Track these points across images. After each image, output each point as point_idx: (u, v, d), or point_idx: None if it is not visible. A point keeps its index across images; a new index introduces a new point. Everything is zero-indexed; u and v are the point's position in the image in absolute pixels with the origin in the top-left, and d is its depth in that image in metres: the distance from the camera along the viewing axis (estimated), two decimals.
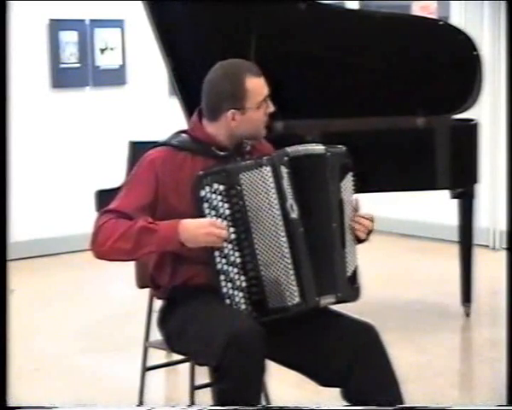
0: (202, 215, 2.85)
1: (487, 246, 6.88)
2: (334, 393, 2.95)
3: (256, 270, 2.83)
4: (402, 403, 2.86)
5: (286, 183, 2.85)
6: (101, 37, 7.29)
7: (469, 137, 4.99)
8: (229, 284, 2.84)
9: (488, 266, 5.99)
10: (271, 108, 2.99)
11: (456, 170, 4.93)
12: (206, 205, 2.85)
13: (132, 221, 2.85)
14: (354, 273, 2.94)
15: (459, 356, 4.93)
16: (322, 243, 2.88)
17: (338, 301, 2.91)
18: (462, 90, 5.02)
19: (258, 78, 2.95)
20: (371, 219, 2.99)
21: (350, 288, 2.92)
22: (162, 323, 3.06)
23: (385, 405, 2.81)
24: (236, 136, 2.97)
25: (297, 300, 2.81)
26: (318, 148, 2.95)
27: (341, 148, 2.97)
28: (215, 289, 2.85)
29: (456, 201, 5.09)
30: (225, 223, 2.84)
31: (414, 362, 4.43)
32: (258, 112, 2.95)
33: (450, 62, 5.00)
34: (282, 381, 3.56)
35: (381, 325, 2.96)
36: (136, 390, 3.65)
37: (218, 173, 2.86)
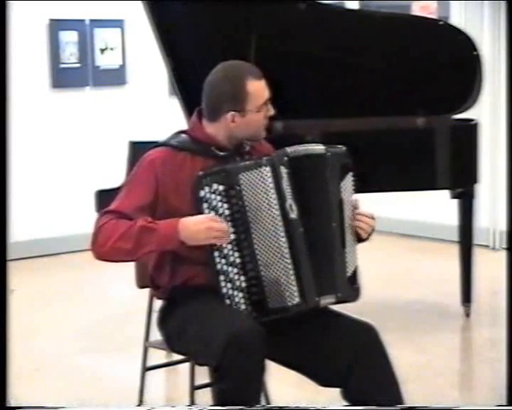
0: None
1: (487, 246, 6.88)
2: (334, 393, 2.95)
3: (256, 270, 2.83)
4: (402, 403, 2.86)
5: (285, 183, 2.85)
6: (101, 37, 7.29)
7: (469, 137, 4.99)
8: (229, 285, 2.84)
9: (488, 266, 5.99)
10: (272, 112, 2.99)
11: (456, 170, 4.93)
12: (205, 205, 2.85)
13: (132, 221, 2.85)
14: (354, 273, 2.94)
15: (459, 356, 4.93)
16: (322, 243, 2.88)
17: (338, 302, 2.91)
18: (462, 90, 5.02)
19: (260, 81, 2.95)
20: (373, 218, 2.99)
21: (350, 288, 2.92)
22: (162, 323, 3.06)
23: (385, 405, 2.81)
24: (236, 137, 2.97)
25: (297, 300, 2.81)
26: (318, 148, 2.95)
27: (341, 148, 2.97)
28: (215, 289, 2.85)
29: (456, 201, 5.09)
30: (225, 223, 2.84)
31: (414, 362, 4.43)
32: (258, 115, 2.95)
33: (450, 62, 5.00)
34: (282, 381, 3.56)
35: (381, 325, 2.96)
36: (136, 390, 3.65)
37: (218, 174, 2.86)
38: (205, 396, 3.10)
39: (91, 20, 7.21)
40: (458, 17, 6.91)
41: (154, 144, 3.03)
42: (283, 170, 2.85)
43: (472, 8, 6.92)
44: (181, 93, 4.91)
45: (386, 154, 4.88)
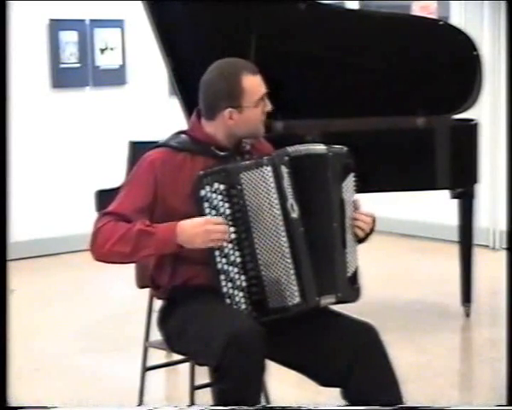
0: (202, 215, 2.84)
1: (487, 246, 6.88)
2: (334, 393, 2.95)
3: (256, 270, 2.83)
4: (402, 403, 2.86)
5: (286, 182, 2.85)
6: (101, 37, 7.29)
7: (469, 137, 4.99)
8: (230, 284, 2.84)
9: (488, 266, 5.99)
10: (269, 107, 2.99)
11: (456, 170, 4.93)
12: (206, 205, 2.85)
13: (131, 224, 2.85)
14: (355, 273, 2.94)
15: (459, 356, 4.93)
16: (323, 243, 2.88)
17: (338, 302, 2.91)
18: (462, 90, 5.02)
19: (255, 76, 2.95)
20: (373, 218, 2.99)
21: (350, 288, 2.92)
22: (162, 323, 3.06)
23: (385, 405, 2.81)
24: (235, 135, 2.97)
25: (297, 300, 2.81)
26: (320, 148, 2.95)
27: (343, 148, 2.97)
28: (215, 289, 2.85)
29: (456, 201, 5.09)
30: (225, 222, 2.84)
31: (414, 362, 4.43)
32: (255, 110, 2.95)
33: (450, 62, 5.00)
34: (282, 381, 3.56)
35: (381, 325, 2.96)
36: (136, 390, 3.64)
37: (219, 173, 2.86)
38: (205, 396, 3.10)
39: (91, 20, 7.21)
40: (458, 17, 6.91)
41: (154, 145, 3.03)
42: (284, 169, 2.85)
43: (472, 8, 6.92)
44: (181, 93, 4.91)
45: (387, 154, 4.87)
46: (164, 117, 6.93)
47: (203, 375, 3.05)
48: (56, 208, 7.17)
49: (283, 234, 2.83)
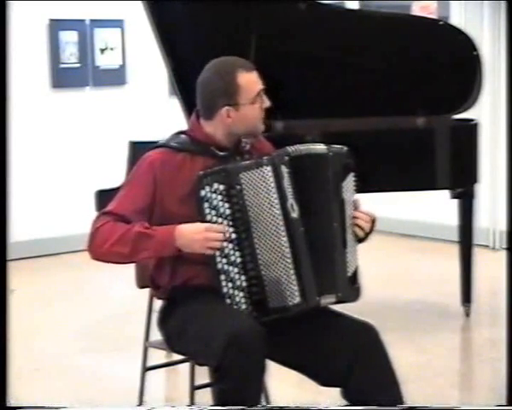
0: (202, 215, 2.85)
1: (487, 246, 6.88)
2: (334, 393, 2.95)
3: (256, 270, 2.83)
4: (402, 403, 2.86)
5: (286, 182, 2.85)
6: (101, 37, 7.29)
7: (469, 137, 4.99)
8: (230, 284, 2.84)
9: (488, 266, 5.99)
10: (267, 103, 2.98)
11: (456, 170, 4.93)
12: (206, 205, 2.85)
13: (130, 225, 2.85)
14: (355, 273, 2.94)
15: (459, 356, 4.93)
16: (323, 243, 2.88)
17: (338, 301, 2.91)
18: (462, 90, 5.02)
19: (251, 72, 2.94)
20: (373, 218, 2.99)
21: (350, 288, 2.92)
22: (162, 323, 3.06)
23: (385, 405, 2.81)
24: (234, 133, 2.96)
25: (297, 299, 2.81)
26: (320, 147, 2.94)
27: (343, 148, 2.97)
28: (215, 289, 2.85)
29: (456, 201, 5.09)
30: (225, 222, 2.84)
31: (414, 362, 4.43)
32: (252, 107, 2.94)
33: (450, 62, 5.00)
34: (282, 381, 3.56)
35: (381, 325, 2.96)
36: (136, 390, 3.64)
37: (219, 173, 2.86)
38: (205, 396, 3.10)
39: (91, 20, 7.21)
40: (458, 17, 6.91)
41: (154, 145, 3.03)
42: (284, 169, 2.85)
43: (472, 8, 6.92)
44: (181, 93, 4.91)
45: (387, 154, 4.87)
46: (164, 117, 6.93)
47: (203, 375, 3.05)
48: (56, 208, 7.17)
49: (283, 234, 2.83)
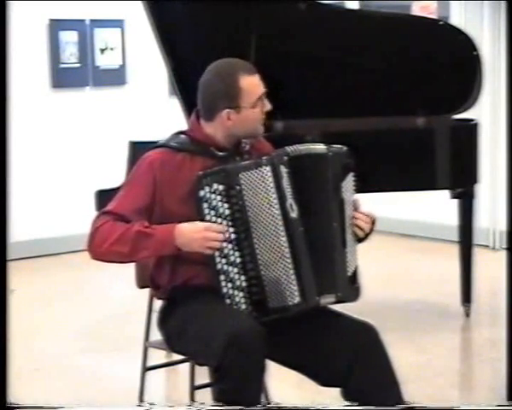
0: (202, 215, 2.85)
1: (487, 246, 6.88)
2: (334, 393, 2.95)
3: (256, 270, 2.83)
4: (402, 403, 2.86)
5: (285, 182, 2.85)
6: (101, 37, 7.29)
7: (469, 137, 4.99)
8: (230, 284, 2.84)
9: (488, 266, 5.99)
10: (268, 107, 2.98)
11: (456, 170, 4.93)
12: (205, 205, 2.85)
13: (129, 225, 2.85)
14: (354, 273, 2.94)
15: (459, 356, 4.93)
16: (323, 243, 2.88)
17: (338, 301, 2.90)
18: (462, 90, 5.02)
19: (253, 76, 2.94)
20: (373, 218, 2.99)
21: (350, 288, 2.92)
22: (162, 323, 3.06)
23: (385, 405, 2.81)
24: (233, 135, 2.97)
25: (297, 299, 2.81)
26: (320, 147, 2.94)
27: (343, 148, 2.96)
28: (215, 289, 2.85)
29: (456, 201, 5.09)
30: (225, 223, 2.84)
31: (414, 362, 4.43)
32: (253, 110, 2.94)
33: (450, 62, 5.00)
34: (282, 381, 3.56)
35: (381, 325, 2.96)
36: (136, 390, 3.65)
37: (218, 173, 2.86)
38: (205, 396, 3.10)
39: (91, 20, 7.21)
40: (458, 17, 6.91)
41: (153, 145, 3.03)
42: (283, 169, 2.85)
43: (472, 8, 6.92)
44: (181, 93, 4.91)
45: (387, 154, 4.87)
46: (164, 117, 6.93)
47: (203, 375, 3.05)
48: (56, 208, 7.17)
49: (283, 234, 2.83)
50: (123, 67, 7.43)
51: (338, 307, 2.95)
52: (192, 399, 3.19)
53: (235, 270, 2.84)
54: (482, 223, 6.67)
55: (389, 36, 4.99)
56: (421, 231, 7.33)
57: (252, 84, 2.93)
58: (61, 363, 4.64)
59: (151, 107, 7.45)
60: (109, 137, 7.25)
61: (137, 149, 4.57)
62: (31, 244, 6.96)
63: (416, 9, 7.25)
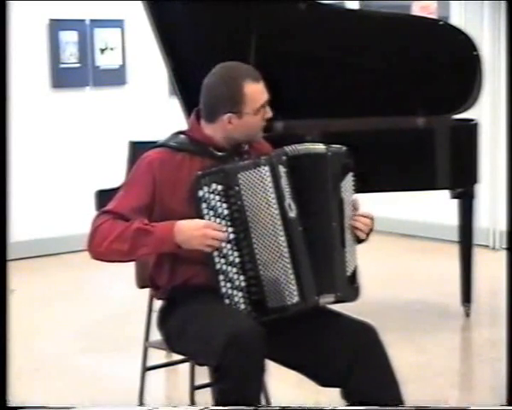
0: (200, 215, 2.85)
1: (487, 246, 6.88)
2: (334, 393, 2.95)
3: (255, 269, 2.83)
4: (402, 403, 2.86)
5: (284, 182, 2.85)
6: (101, 37, 7.29)
7: (469, 137, 4.99)
8: (229, 284, 2.84)
9: (488, 266, 5.99)
10: (269, 114, 2.99)
11: (456, 170, 4.93)
12: (204, 205, 2.85)
13: (129, 223, 2.86)
14: (354, 273, 2.94)
15: (459, 356, 4.93)
16: (322, 243, 2.88)
17: (337, 301, 2.90)
18: (462, 90, 5.02)
19: (257, 83, 2.94)
20: (371, 219, 2.99)
21: (349, 287, 2.92)
22: (162, 323, 3.06)
23: (385, 405, 2.81)
24: (233, 138, 2.97)
25: (296, 299, 2.81)
26: (319, 147, 2.94)
27: (342, 147, 2.97)
28: (214, 289, 2.85)
29: (456, 201, 5.09)
30: (224, 223, 2.84)
31: (414, 362, 4.43)
32: (255, 117, 2.95)
33: (450, 62, 5.00)
34: (282, 381, 3.56)
35: (381, 325, 2.96)
36: (136, 390, 3.65)
37: (217, 173, 2.86)
38: (205, 396, 3.10)
39: (91, 20, 7.21)
40: (458, 17, 6.91)
41: (153, 145, 3.03)
42: (282, 169, 2.85)
43: (472, 8, 6.92)
44: (181, 93, 4.91)
45: (386, 154, 4.87)
46: (164, 117, 6.93)
47: (203, 375, 3.05)
48: (56, 208, 7.17)
49: (281, 233, 2.83)
50: (123, 67, 7.43)
51: (337, 307, 2.95)
52: (192, 399, 3.19)
53: (234, 270, 2.84)
54: (482, 223, 6.67)
55: (389, 36, 4.99)
56: (421, 231, 7.33)
57: (256, 92, 2.93)
58: (61, 363, 4.64)
59: (151, 107, 7.45)
60: (109, 137, 7.25)
61: (137, 149, 4.56)
62: (31, 244, 6.96)
63: (416, 9, 7.25)
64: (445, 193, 5.13)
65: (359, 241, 2.98)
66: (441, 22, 5.35)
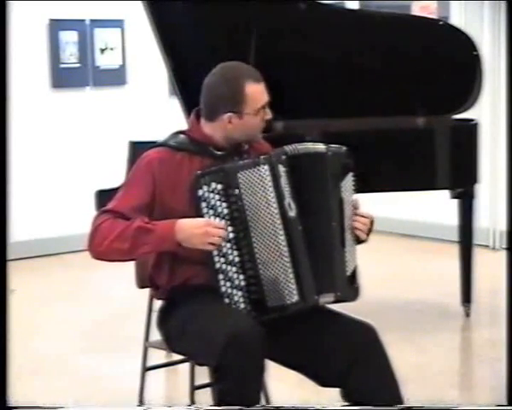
0: (200, 215, 2.85)
1: (487, 246, 6.88)
2: (334, 393, 2.95)
3: (255, 269, 2.83)
4: (402, 403, 2.86)
5: (284, 181, 2.85)
6: (101, 37, 7.29)
7: (469, 137, 4.99)
8: (228, 284, 2.84)
9: (488, 266, 5.99)
10: (269, 115, 2.99)
11: (456, 170, 4.93)
12: (203, 204, 2.85)
13: (129, 222, 2.86)
14: (354, 273, 2.94)
15: (459, 356, 4.93)
16: (322, 242, 2.88)
17: (337, 301, 2.90)
18: (463, 90, 5.02)
19: (258, 84, 2.95)
20: (371, 219, 2.99)
21: (349, 287, 2.92)
22: (162, 323, 3.06)
23: (385, 405, 2.81)
24: (232, 138, 2.97)
25: (296, 298, 2.81)
26: (319, 147, 2.95)
27: (342, 147, 2.97)
28: (214, 289, 2.85)
29: (456, 201, 5.09)
30: (223, 222, 2.84)
31: (414, 362, 4.43)
32: (255, 118, 2.95)
33: (451, 62, 5.00)
34: (282, 381, 3.56)
35: (381, 325, 2.96)
36: (136, 390, 3.65)
37: (216, 173, 2.86)
38: (205, 396, 3.10)
39: (91, 20, 7.21)
40: (458, 17, 6.91)
41: (153, 144, 3.04)
42: (281, 168, 2.85)
43: (472, 8, 6.92)
44: (181, 93, 4.91)
45: (386, 154, 4.87)
46: (164, 117, 6.93)
47: (203, 375, 3.05)
48: (56, 208, 7.17)
49: (281, 233, 2.83)
50: (123, 67, 7.43)
51: (337, 307, 2.95)
52: (192, 399, 3.19)
53: (234, 269, 2.84)
54: (482, 223, 6.67)
55: (389, 36, 4.99)
56: (421, 231, 7.33)
57: (257, 92, 2.94)
58: (61, 363, 4.64)
59: (151, 107, 7.45)
60: (109, 137, 7.25)
61: (137, 149, 4.55)
62: (31, 244, 6.96)
63: (416, 9, 7.25)
64: (445, 193, 5.13)
65: (360, 241, 2.98)
66: (441, 22, 5.35)
